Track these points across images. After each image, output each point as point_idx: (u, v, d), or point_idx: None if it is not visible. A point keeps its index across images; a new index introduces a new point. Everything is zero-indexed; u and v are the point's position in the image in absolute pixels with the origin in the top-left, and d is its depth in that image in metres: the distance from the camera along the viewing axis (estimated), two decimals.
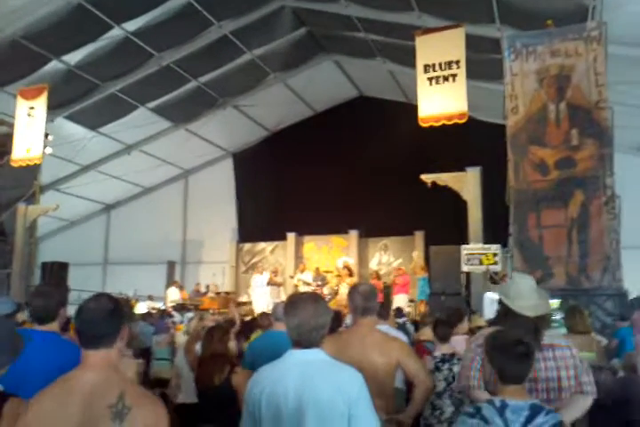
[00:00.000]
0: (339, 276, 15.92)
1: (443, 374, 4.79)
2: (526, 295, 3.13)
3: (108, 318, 2.25)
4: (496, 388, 2.74)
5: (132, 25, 13.14)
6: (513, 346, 2.65)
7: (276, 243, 19.18)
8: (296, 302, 2.65)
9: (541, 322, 3.08)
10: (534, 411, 2.56)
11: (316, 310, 2.57)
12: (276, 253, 19.20)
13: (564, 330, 5.74)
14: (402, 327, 7.40)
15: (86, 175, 18.52)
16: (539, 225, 9.01)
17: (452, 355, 4.89)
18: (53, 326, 3.23)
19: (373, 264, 17.94)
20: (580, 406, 2.95)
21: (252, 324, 7.09)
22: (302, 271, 16.30)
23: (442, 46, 11.37)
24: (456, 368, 4.60)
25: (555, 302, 7.60)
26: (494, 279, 10.87)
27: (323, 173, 17.52)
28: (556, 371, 2.94)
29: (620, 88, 10.31)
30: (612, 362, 5.87)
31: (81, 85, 14.70)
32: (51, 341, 3.12)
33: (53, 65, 13.65)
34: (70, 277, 15.62)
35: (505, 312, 3.17)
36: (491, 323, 3.44)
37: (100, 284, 20.16)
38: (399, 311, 10.09)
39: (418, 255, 15.68)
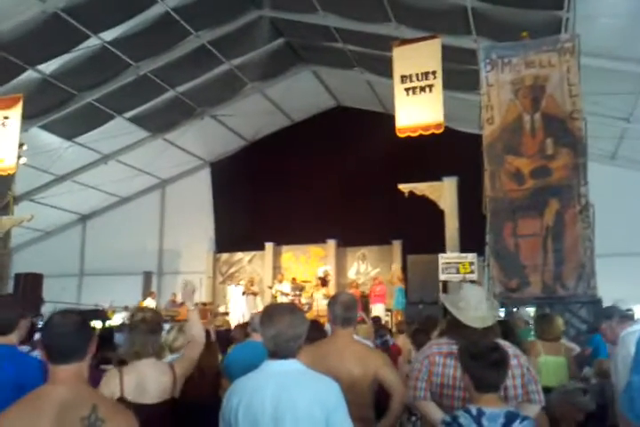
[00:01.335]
0: (317, 285, 15.93)
1: None
2: (474, 306, 3.15)
3: (76, 332, 2.22)
4: (471, 396, 2.75)
5: (110, 34, 13.07)
6: (488, 354, 2.67)
7: (253, 253, 19.12)
8: (272, 312, 2.64)
9: (489, 332, 3.10)
10: (509, 418, 2.58)
11: (292, 320, 2.57)
12: (253, 263, 19.14)
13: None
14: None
15: (62, 185, 18.33)
16: (515, 234, 9.07)
17: None
18: (10, 339, 3.15)
19: (351, 274, 17.96)
20: (528, 414, 2.95)
21: (228, 335, 7.03)
22: (281, 282, 16.28)
23: (418, 57, 11.47)
24: None
25: (531, 311, 7.67)
26: None
27: (300, 182, 17.57)
28: None
29: (593, 99, 10.48)
30: (584, 371, 5.93)
31: (57, 95, 14.56)
32: (6, 354, 3.04)
33: (28, 74, 13.51)
34: (45, 289, 15.40)
35: (453, 323, 3.18)
36: (441, 333, 3.46)
37: (76, 295, 19.93)
38: (377, 321, 10.09)
39: (396, 267, 15.75)
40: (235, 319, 13.84)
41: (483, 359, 2.65)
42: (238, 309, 15.18)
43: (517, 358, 3.07)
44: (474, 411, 2.60)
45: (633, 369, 3.10)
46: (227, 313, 15.82)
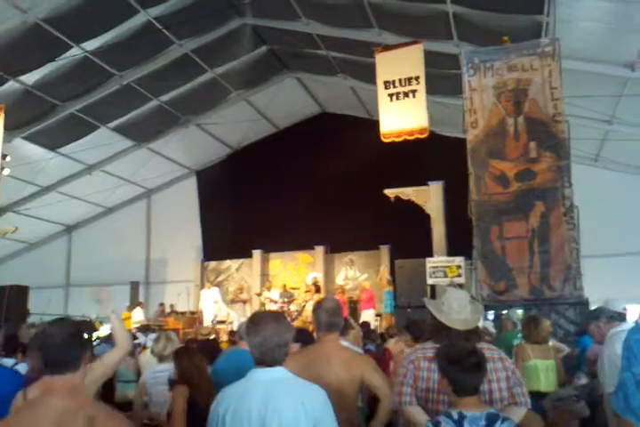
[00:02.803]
0: (308, 292, 15.89)
1: None
2: (457, 309, 3.17)
3: (71, 342, 2.23)
4: (452, 400, 2.75)
5: (92, 44, 13.01)
6: (466, 357, 2.67)
7: (241, 260, 19.04)
8: (258, 320, 2.63)
9: (473, 335, 3.11)
10: (491, 420, 2.59)
11: (278, 328, 2.56)
12: (241, 271, 19.06)
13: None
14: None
15: (46, 196, 18.19)
16: (501, 237, 9.12)
17: None
18: None
19: (340, 279, 17.93)
20: (514, 417, 2.94)
21: (215, 344, 6.98)
22: (269, 289, 16.23)
23: (401, 63, 11.53)
24: None
25: (519, 313, 7.69)
26: None
27: (287, 189, 17.57)
28: (487, 384, 2.95)
29: (575, 101, 10.57)
30: (577, 376, 5.95)
31: (39, 106, 14.46)
32: None
33: (10, 85, 13.41)
34: (31, 301, 15.26)
35: (437, 326, 3.19)
36: (426, 338, 3.48)
37: (63, 307, 19.74)
38: (366, 326, 10.07)
39: (384, 269, 15.76)
40: (206, 322, 14.03)
41: (461, 363, 2.66)
42: (209, 312, 15.14)
43: (502, 362, 3.07)
44: (455, 415, 2.61)
45: (623, 367, 3.11)
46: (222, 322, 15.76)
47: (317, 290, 15.78)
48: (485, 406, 2.72)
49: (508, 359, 3.15)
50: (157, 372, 5.00)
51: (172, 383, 4.52)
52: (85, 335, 2.37)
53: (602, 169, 14.96)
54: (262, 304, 15.73)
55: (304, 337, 4.27)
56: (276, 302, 15.38)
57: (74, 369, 2.21)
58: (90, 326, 13.19)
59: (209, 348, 5.71)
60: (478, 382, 2.69)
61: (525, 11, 10.48)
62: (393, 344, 6.58)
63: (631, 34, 10.15)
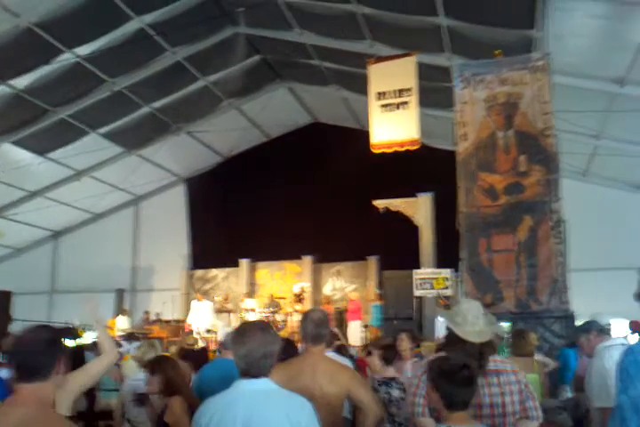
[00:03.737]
0: (292, 302, 15.83)
1: (379, 396, 4.69)
2: (472, 321, 3.15)
3: (43, 349, 2.15)
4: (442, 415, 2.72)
5: (84, 50, 12.96)
6: (457, 371, 2.64)
7: (228, 269, 18.96)
8: (244, 331, 2.60)
9: (487, 348, 3.09)
10: None
11: (264, 338, 2.52)
12: (228, 280, 18.98)
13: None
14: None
15: (34, 202, 18.01)
16: (489, 249, 9.12)
17: (392, 379, 4.82)
18: None
19: (327, 290, 17.88)
20: None
21: (203, 353, 6.93)
22: (249, 296, 16.20)
23: (394, 74, 11.59)
24: (395, 393, 4.61)
25: (505, 326, 7.68)
26: (447, 305, 10.95)
27: (276, 198, 17.52)
28: (501, 397, 2.94)
29: (564, 116, 10.64)
30: (563, 389, 5.94)
31: (29, 110, 14.34)
32: None
33: (1, 89, 13.33)
34: (14, 307, 15.08)
35: (451, 338, 3.18)
36: (438, 348, 3.46)
37: (46, 313, 19.53)
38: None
39: (371, 284, 15.77)
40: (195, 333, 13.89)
41: (452, 376, 2.63)
42: (199, 323, 15.00)
43: (515, 375, 3.06)
44: None
45: (619, 389, 3.09)
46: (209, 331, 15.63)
47: (299, 300, 15.72)
48: (475, 422, 2.69)
49: (521, 372, 3.13)
50: (134, 380, 4.94)
51: (142, 399, 4.41)
52: (63, 343, 2.28)
53: (590, 184, 15.05)
54: (240, 315, 15.58)
55: (285, 348, 4.23)
56: (252, 311, 15.27)
57: (43, 378, 2.11)
58: (72, 333, 13.08)
59: (201, 356, 5.70)
60: (469, 396, 2.65)
61: (517, 25, 10.56)
62: None
63: (620, 50, 10.24)
